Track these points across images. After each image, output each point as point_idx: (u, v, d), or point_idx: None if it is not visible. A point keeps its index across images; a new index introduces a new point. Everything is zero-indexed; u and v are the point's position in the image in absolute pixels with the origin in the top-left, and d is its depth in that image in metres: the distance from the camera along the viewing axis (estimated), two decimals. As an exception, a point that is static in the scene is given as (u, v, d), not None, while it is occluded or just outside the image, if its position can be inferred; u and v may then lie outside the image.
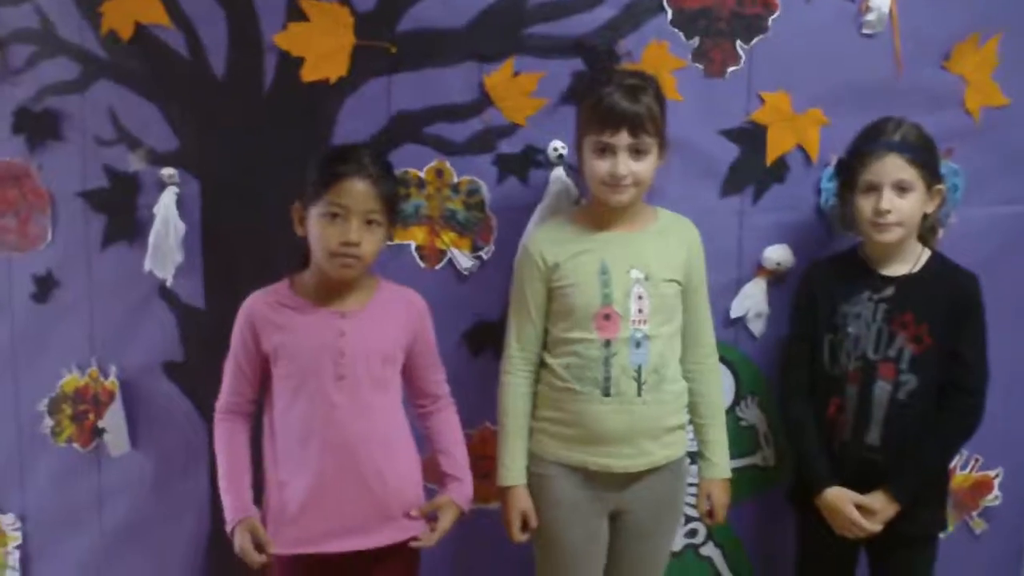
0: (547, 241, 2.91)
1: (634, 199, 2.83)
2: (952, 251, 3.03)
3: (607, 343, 2.81)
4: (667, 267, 2.87)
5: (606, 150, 2.77)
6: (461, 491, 2.90)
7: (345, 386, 2.73)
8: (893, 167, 2.85)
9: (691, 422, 3.00)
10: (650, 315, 2.83)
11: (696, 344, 2.97)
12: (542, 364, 2.94)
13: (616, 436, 2.83)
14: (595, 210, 2.91)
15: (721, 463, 3.00)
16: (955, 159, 3.20)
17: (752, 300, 3.25)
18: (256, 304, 2.80)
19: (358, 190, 2.66)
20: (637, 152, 2.77)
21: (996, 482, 3.40)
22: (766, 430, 3.33)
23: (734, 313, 3.25)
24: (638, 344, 2.81)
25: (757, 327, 3.27)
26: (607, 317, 2.81)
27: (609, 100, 2.75)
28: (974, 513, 3.42)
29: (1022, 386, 3.33)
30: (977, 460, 3.36)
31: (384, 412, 2.81)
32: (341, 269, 2.70)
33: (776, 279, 3.24)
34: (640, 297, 2.82)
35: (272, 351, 2.76)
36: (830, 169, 3.17)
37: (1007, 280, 3.19)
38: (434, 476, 2.98)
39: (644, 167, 2.79)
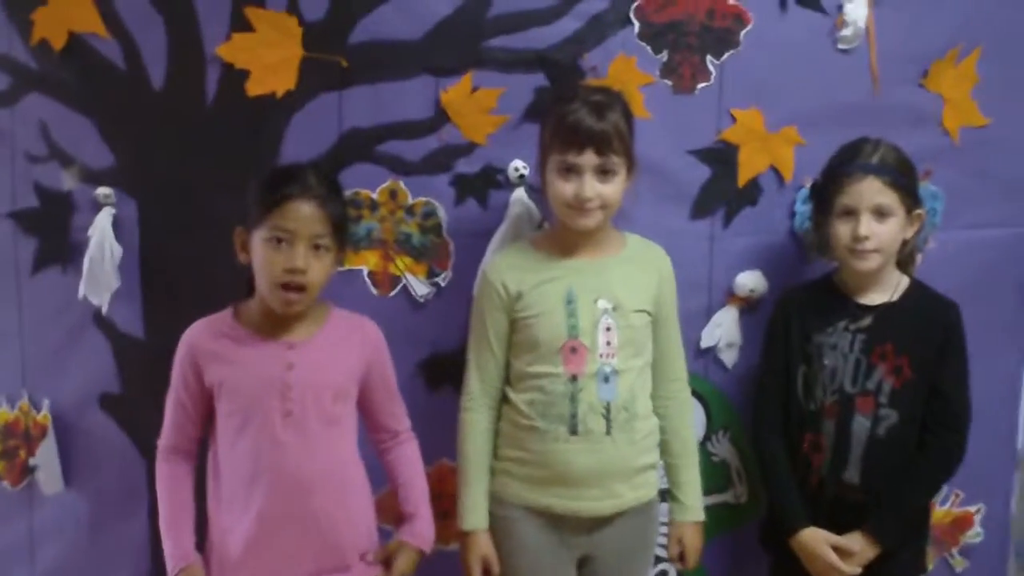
0: (509, 268, 2.75)
1: (601, 223, 2.69)
2: (930, 276, 2.93)
3: (573, 378, 2.65)
4: (637, 297, 2.72)
5: (571, 171, 2.63)
6: (418, 531, 2.74)
7: (293, 423, 2.56)
8: (871, 191, 2.72)
9: (661, 460, 2.85)
10: (619, 348, 2.68)
11: (667, 378, 2.83)
12: (504, 399, 2.78)
13: (584, 477, 2.67)
14: (560, 235, 2.76)
15: (694, 505, 2.85)
16: (933, 180, 3.08)
17: (723, 329, 3.12)
18: (197, 336, 2.63)
19: (304, 213, 2.50)
20: (604, 173, 2.63)
21: (977, 518, 3.29)
22: (738, 465, 3.20)
23: (704, 343, 3.12)
24: (607, 379, 2.66)
25: (729, 358, 3.14)
26: (573, 350, 2.66)
27: (574, 117, 2.60)
28: (954, 550, 3.30)
29: (1003, 417, 3.22)
30: (958, 495, 3.24)
31: (336, 451, 2.64)
32: (285, 305, 2.54)
33: (749, 307, 3.12)
34: (608, 329, 2.68)
35: (215, 386, 2.59)
36: (805, 191, 3.04)
37: (987, 307, 3.08)
38: (389, 516, 2.84)
39: (612, 189, 2.64)
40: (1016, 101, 3.13)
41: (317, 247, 2.53)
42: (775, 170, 3.07)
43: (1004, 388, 3.20)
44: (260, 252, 2.52)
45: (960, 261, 3.12)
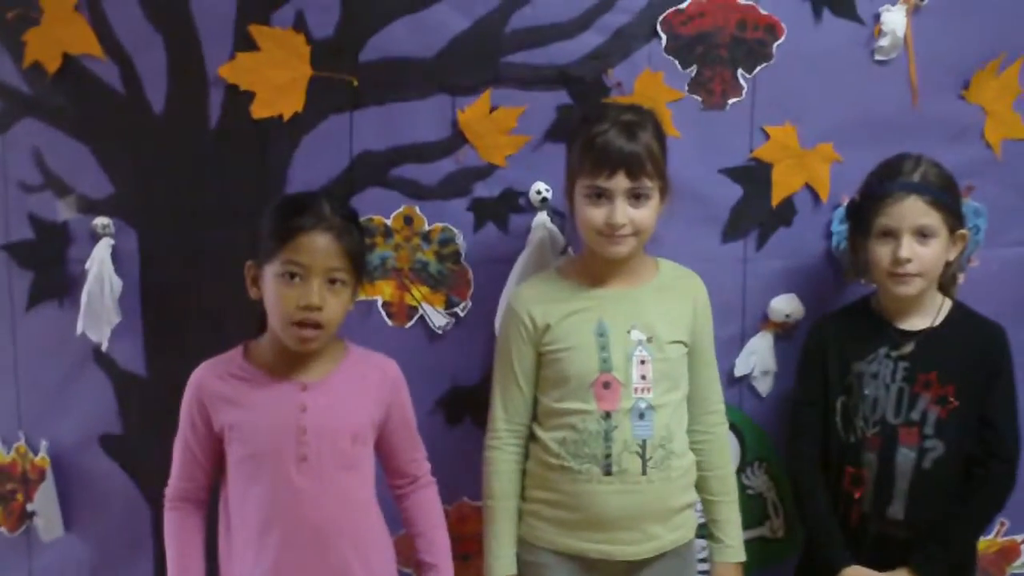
0: (535, 299, 2.61)
1: (634, 251, 2.54)
2: (973, 297, 2.81)
3: (607, 415, 2.51)
4: (672, 327, 2.58)
5: (601, 196, 2.48)
6: None
7: (308, 468, 2.41)
8: (913, 211, 2.58)
9: (699, 498, 2.71)
10: (655, 382, 2.54)
11: (704, 411, 2.68)
12: (532, 437, 2.64)
13: (619, 520, 2.52)
14: (588, 263, 2.62)
15: (735, 545, 2.71)
16: (975, 196, 2.93)
17: (758, 356, 2.98)
18: (205, 377, 2.48)
19: (318, 245, 2.36)
20: (636, 197, 2.48)
21: None
22: (775, 498, 3.06)
23: (739, 371, 2.98)
24: (642, 415, 2.52)
25: (764, 386, 3.00)
26: (606, 385, 2.51)
27: (603, 139, 2.46)
28: (1000, 581, 3.16)
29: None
30: (1004, 524, 3.08)
31: (354, 497, 2.50)
32: (300, 343, 2.39)
33: (784, 333, 2.98)
34: (643, 362, 2.53)
35: (225, 430, 2.44)
36: (842, 210, 2.90)
37: (1035, 330, 2.93)
38: (408, 558, 2.72)
39: (645, 214, 2.50)
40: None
41: (333, 281, 2.39)
42: (810, 189, 2.95)
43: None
44: (272, 288, 2.38)
45: (1004, 281, 2.99)
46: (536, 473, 2.62)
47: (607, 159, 2.45)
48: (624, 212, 2.46)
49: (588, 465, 2.51)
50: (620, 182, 2.46)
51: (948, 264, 2.68)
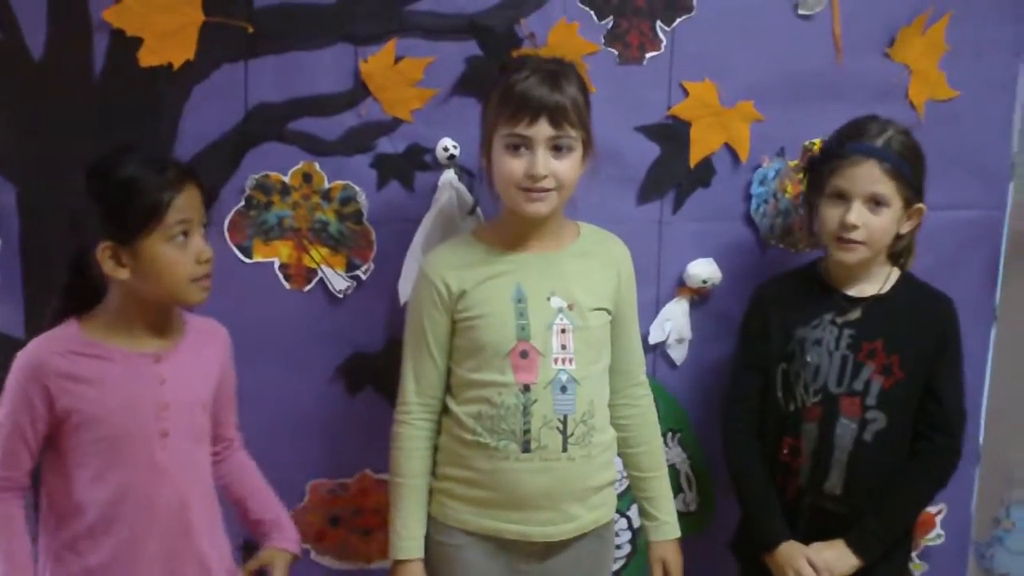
0: (449, 265, 2.31)
1: (555, 210, 2.25)
2: None
3: (526, 388, 2.22)
4: (594, 294, 2.30)
5: (520, 146, 2.20)
6: (289, 535, 2.37)
7: (171, 444, 2.15)
8: (869, 177, 2.37)
9: (627, 474, 2.49)
10: (576, 352, 2.25)
11: (629, 383, 2.42)
12: (445, 410, 2.34)
13: (537, 499, 2.25)
14: (506, 225, 2.33)
15: (671, 520, 2.47)
16: (897, 159, 2.68)
17: (673, 323, 2.73)
18: (45, 355, 2.13)
19: (194, 199, 2.14)
20: (558, 149, 2.21)
21: (938, 519, 2.94)
22: (688, 471, 2.82)
23: (653, 338, 2.72)
24: (564, 388, 2.24)
25: (678, 354, 2.77)
26: (524, 355, 2.23)
27: (524, 85, 2.19)
28: (913, 553, 2.90)
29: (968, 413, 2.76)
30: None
31: (205, 468, 2.27)
32: (201, 292, 2.16)
33: (701, 299, 2.74)
34: (563, 331, 2.25)
35: (71, 412, 2.10)
36: (762, 171, 2.70)
37: (952, 295, 2.64)
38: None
39: (567, 167, 2.22)
40: (987, 72, 2.79)
41: (206, 225, 2.20)
42: (730, 148, 2.72)
43: (969, 380, 2.74)
44: (162, 255, 2.09)
45: (923, 246, 2.69)
46: (449, 449, 2.32)
47: (528, 105, 2.18)
48: (546, 163, 2.18)
49: (505, 442, 2.23)
50: (542, 130, 2.18)
51: (900, 237, 2.48)
